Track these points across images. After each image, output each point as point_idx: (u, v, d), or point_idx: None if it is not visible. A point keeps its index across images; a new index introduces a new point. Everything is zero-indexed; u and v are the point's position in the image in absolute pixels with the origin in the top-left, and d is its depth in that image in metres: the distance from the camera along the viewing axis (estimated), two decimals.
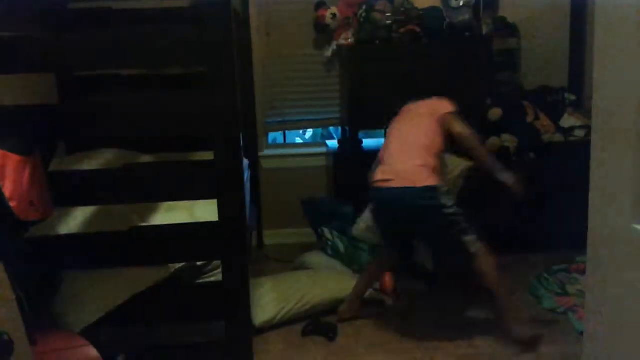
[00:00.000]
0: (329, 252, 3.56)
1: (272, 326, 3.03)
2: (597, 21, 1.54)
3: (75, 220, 2.50)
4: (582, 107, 3.91)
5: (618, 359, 1.52)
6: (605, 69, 1.51)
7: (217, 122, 2.10)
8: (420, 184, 2.72)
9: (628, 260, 1.42)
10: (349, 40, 3.77)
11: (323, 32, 3.93)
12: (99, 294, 2.34)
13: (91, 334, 2.18)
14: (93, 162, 2.88)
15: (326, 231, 3.55)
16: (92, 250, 2.26)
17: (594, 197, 1.57)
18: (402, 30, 3.70)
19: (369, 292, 3.15)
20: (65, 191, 2.22)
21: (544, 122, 3.80)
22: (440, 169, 2.86)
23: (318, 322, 3.03)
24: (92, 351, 2.08)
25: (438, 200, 2.70)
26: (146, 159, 3.11)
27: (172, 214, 2.63)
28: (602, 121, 1.53)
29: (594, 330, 1.63)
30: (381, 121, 3.93)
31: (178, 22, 2.96)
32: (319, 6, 3.88)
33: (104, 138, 3.04)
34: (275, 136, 4.57)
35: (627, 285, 1.43)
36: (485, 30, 3.83)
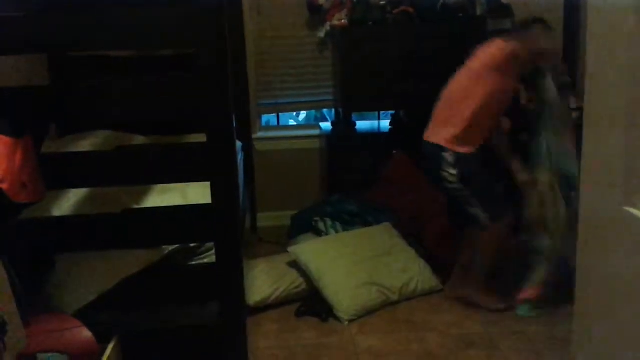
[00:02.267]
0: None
1: (266, 306, 3.06)
2: (589, 5, 1.54)
3: (68, 202, 2.49)
4: (576, 89, 3.90)
5: (607, 341, 1.54)
6: (597, 53, 1.51)
7: (209, 103, 2.09)
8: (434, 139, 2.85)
9: (618, 242, 1.43)
10: (342, 21, 3.75)
11: (316, 13, 3.90)
12: (92, 276, 2.34)
13: (84, 316, 2.19)
14: (85, 144, 2.87)
15: (320, 222, 3.55)
16: (84, 232, 2.26)
17: (584, 179, 1.58)
18: (395, 11, 3.68)
19: None
20: (58, 173, 2.21)
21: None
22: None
23: (311, 303, 3.05)
24: (86, 332, 2.09)
25: (440, 165, 2.74)
26: (139, 140, 3.10)
27: (165, 196, 2.63)
28: (594, 105, 1.54)
29: (584, 311, 1.65)
30: (374, 103, 3.93)
31: (169, 3, 2.93)
32: None
33: (96, 120, 3.03)
34: (269, 118, 4.56)
35: (617, 267, 1.44)
36: (479, 11, 3.81)
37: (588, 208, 1.57)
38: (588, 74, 1.56)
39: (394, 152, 3.82)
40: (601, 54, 1.50)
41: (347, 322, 2.93)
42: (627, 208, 1.38)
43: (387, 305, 3.06)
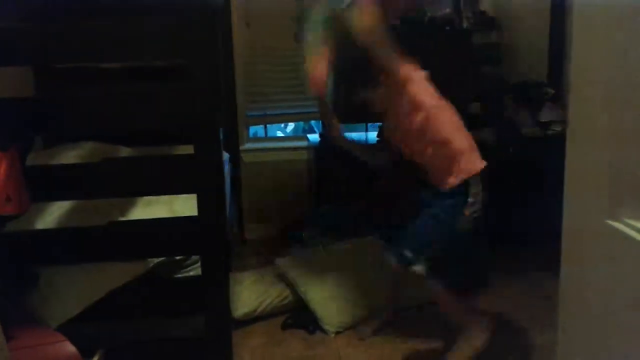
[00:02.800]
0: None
1: (253, 319, 3.04)
2: (574, 19, 1.55)
3: (52, 215, 2.47)
4: (560, 101, 3.94)
5: (593, 352, 1.54)
6: (581, 66, 1.53)
7: (197, 115, 2.09)
8: None
9: (602, 255, 1.44)
10: None
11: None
12: (77, 289, 2.32)
13: (68, 329, 2.17)
14: (70, 156, 2.85)
15: (307, 234, 3.55)
16: (69, 245, 2.24)
17: (568, 191, 1.59)
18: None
19: None
20: (42, 185, 2.19)
21: (523, 116, 3.83)
22: None
23: (298, 315, 3.04)
24: (70, 347, 2.07)
25: None
26: (125, 152, 3.09)
27: (151, 208, 2.62)
28: (578, 117, 1.55)
29: (568, 323, 1.65)
30: (362, 115, 3.94)
31: (160, 13, 2.93)
32: None
33: (82, 131, 3.01)
34: (257, 130, 4.55)
35: (601, 280, 1.45)
36: (465, 24, 3.85)
37: (571, 221, 1.58)
38: (572, 87, 1.57)
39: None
40: (584, 66, 1.51)
41: (333, 334, 2.92)
42: (610, 222, 1.39)
43: (375, 317, 3.05)
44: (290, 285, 3.12)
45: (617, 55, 1.36)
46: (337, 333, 2.93)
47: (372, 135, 4.16)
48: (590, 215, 1.47)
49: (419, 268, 2.47)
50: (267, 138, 4.57)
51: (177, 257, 2.50)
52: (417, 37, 3.73)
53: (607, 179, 1.41)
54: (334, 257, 3.28)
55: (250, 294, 3.09)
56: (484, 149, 3.62)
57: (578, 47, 1.55)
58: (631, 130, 1.36)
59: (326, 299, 3.01)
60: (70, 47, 2.12)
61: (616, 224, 1.38)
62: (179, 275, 2.52)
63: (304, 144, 4.27)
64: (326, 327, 2.95)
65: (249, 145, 4.22)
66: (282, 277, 3.17)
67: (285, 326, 3.00)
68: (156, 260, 2.43)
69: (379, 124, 4.12)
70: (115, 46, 2.11)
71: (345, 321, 2.97)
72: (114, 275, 2.34)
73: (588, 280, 1.51)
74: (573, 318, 1.63)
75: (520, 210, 3.69)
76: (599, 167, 1.44)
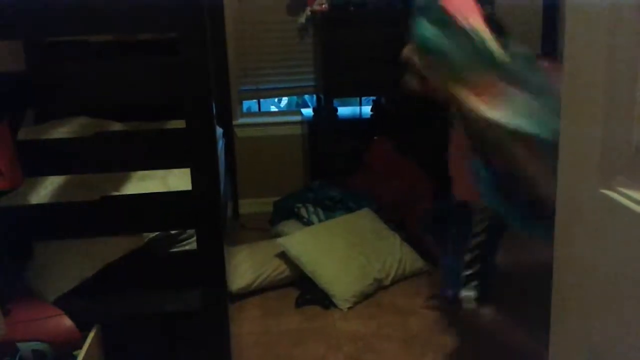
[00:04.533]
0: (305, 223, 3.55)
1: (249, 292, 3.06)
2: None
3: (46, 189, 2.46)
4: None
5: (587, 324, 1.56)
6: (575, 36, 1.52)
7: (188, 89, 2.07)
8: None
9: (595, 225, 1.45)
10: (323, 5, 3.72)
11: None
12: (72, 263, 2.32)
13: (65, 303, 2.18)
14: (62, 131, 2.83)
15: (302, 209, 3.54)
16: (63, 219, 2.23)
17: (562, 162, 1.59)
18: None
19: None
20: (35, 160, 2.18)
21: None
22: None
23: (310, 292, 3.03)
24: (66, 321, 2.08)
25: None
26: (117, 127, 3.06)
27: (145, 183, 2.61)
28: (572, 88, 1.55)
29: (562, 294, 1.67)
30: (356, 89, 3.92)
31: None
32: None
33: (73, 106, 2.98)
34: (250, 104, 4.53)
35: (595, 250, 1.46)
36: None
37: (565, 192, 1.59)
38: (566, 58, 1.56)
39: (375, 138, 3.82)
40: (578, 39, 1.50)
41: (346, 309, 2.94)
42: (603, 191, 1.39)
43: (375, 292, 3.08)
44: (287, 259, 3.13)
45: (611, 26, 1.35)
46: (350, 308, 2.95)
47: (366, 110, 4.16)
48: (583, 184, 1.47)
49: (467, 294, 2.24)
50: (260, 113, 4.55)
51: (172, 232, 2.50)
52: (410, 10, 3.70)
53: (600, 148, 1.41)
54: (332, 231, 3.29)
55: (246, 267, 3.11)
56: None
57: (571, 21, 1.54)
58: (624, 99, 1.36)
59: (335, 276, 3.03)
60: (59, 20, 2.08)
61: (610, 193, 1.38)
62: (175, 250, 2.52)
63: (297, 118, 4.26)
64: (339, 302, 2.97)
65: (242, 120, 4.21)
66: (281, 254, 3.17)
67: (299, 303, 3.01)
68: (151, 235, 2.43)
69: (373, 98, 4.12)
70: (99, 20, 2.08)
71: (357, 295, 2.99)
72: (109, 249, 2.34)
73: (582, 249, 1.52)
74: (566, 288, 1.64)
75: None
76: (593, 138, 1.44)
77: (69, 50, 3.15)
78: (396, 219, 3.49)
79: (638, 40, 1.32)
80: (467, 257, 2.23)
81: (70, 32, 2.45)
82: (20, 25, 2.09)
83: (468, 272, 2.24)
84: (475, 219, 2.21)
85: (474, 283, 2.23)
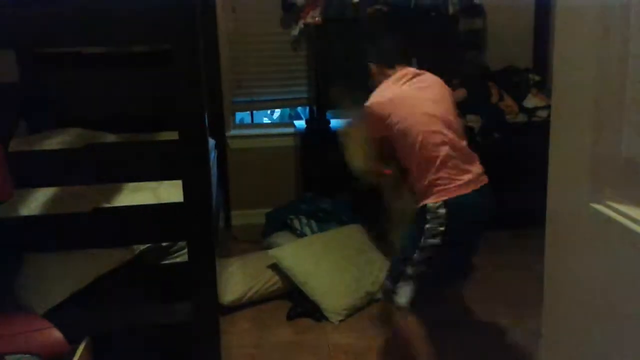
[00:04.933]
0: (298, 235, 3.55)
1: (241, 305, 3.04)
2: (558, 6, 1.56)
3: (37, 201, 2.45)
4: (546, 87, 3.97)
5: (577, 337, 1.56)
6: (565, 50, 1.54)
7: (181, 101, 2.07)
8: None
9: (585, 238, 1.46)
10: (317, 18, 3.75)
11: (290, 11, 3.89)
12: (63, 275, 2.31)
13: (55, 316, 2.16)
14: (54, 142, 2.82)
15: (294, 220, 3.54)
16: (54, 231, 2.22)
17: (553, 176, 1.60)
18: (369, 10, 3.69)
19: None
20: (26, 172, 2.17)
21: (508, 102, 3.85)
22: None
23: (302, 304, 3.02)
24: (57, 333, 2.06)
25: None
26: (109, 138, 3.06)
27: (136, 194, 2.60)
28: (561, 101, 1.56)
29: (553, 306, 1.67)
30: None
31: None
32: None
33: (66, 117, 2.98)
34: (243, 116, 4.53)
35: (584, 263, 1.47)
36: (451, 10, 3.85)
37: (555, 206, 1.60)
38: (555, 73, 1.58)
39: None
40: (568, 53, 1.52)
41: (338, 322, 2.93)
42: (593, 205, 1.41)
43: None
44: (278, 271, 3.12)
45: (600, 39, 1.37)
46: (341, 320, 2.94)
47: None
48: (574, 198, 1.48)
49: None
50: (253, 124, 4.55)
51: (164, 244, 2.49)
52: (403, 22, 3.73)
53: (590, 163, 1.42)
54: (323, 244, 3.28)
55: (238, 280, 3.10)
56: (470, 135, 3.68)
57: (561, 34, 1.56)
58: (614, 114, 1.37)
59: (327, 289, 3.02)
60: (53, 31, 2.09)
61: (600, 207, 1.39)
62: (166, 262, 2.51)
63: (290, 130, 4.26)
64: (331, 315, 2.95)
65: (235, 132, 4.21)
66: (272, 266, 3.16)
67: (291, 316, 3.00)
68: (142, 246, 2.42)
69: None
70: (95, 30, 2.08)
71: (349, 308, 2.98)
72: (101, 261, 2.33)
73: (572, 263, 1.53)
74: (558, 301, 1.65)
75: (505, 196, 3.71)
76: (583, 151, 1.45)
77: (62, 61, 3.15)
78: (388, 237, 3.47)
79: (626, 55, 1.33)
80: (416, 255, 2.27)
81: (64, 43, 2.45)
82: (13, 36, 2.09)
83: (409, 271, 2.29)
84: (432, 223, 2.25)
85: (410, 283, 2.29)
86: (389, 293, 2.36)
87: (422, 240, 2.25)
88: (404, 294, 2.30)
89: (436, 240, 2.24)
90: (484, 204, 2.33)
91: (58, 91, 2.16)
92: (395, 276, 2.34)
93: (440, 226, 2.23)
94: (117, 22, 2.06)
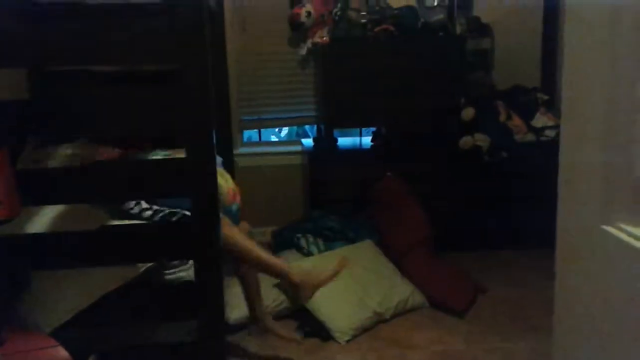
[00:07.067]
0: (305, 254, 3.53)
1: (247, 324, 3.02)
2: (567, 23, 1.56)
3: (43, 218, 2.45)
4: (554, 106, 3.96)
5: (587, 357, 1.54)
6: (575, 70, 1.53)
7: (190, 119, 2.08)
8: None
9: (596, 260, 1.44)
10: (324, 38, 3.77)
11: (298, 30, 3.92)
12: (69, 294, 2.30)
13: (61, 334, 2.15)
14: (62, 154, 2.82)
15: (301, 239, 3.52)
16: (61, 249, 2.22)
17: (563, 197, 1.59)
18: (377, 29, 3.71)
19: None
20: (33, 189, 2.17)
21: (516, 122, 3.84)
22: None
23: (310, 323, 2.99)
24: (63, 352, 2.04)
25: None
26: (115, 154, 3.06)
27: None
28: (571, 122, 1.55)
29: (564, 329, 1.65)
30: (356, 120, 3.95)
31: (150, 17, 2.92)
32: (294, 4, 3.88)
33: (75, 134, 2.98)
34: (251, 134, 4.55)
35: (595, 285, 1.45)
36: (459, 30, 3.86)
37: (565, 227, 1.58)
38: (564, 93, 1.57)
39: (388, 173, 3.73)
40: (577, 71, 1.52)
41: (344, 342, 2.90)
42: (604, 227, 1.39)
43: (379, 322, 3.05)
44: (285, 290, 3.10)
45: (609, 59, 1.36)
46: (348, 341, 2.91)
47: (366, 140, 4.17)
48: (584, 220, 1.47)
49: None
50: (261, 142, 4.57)
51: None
52: (410, 42, 3.75)
53: (601, 184, 1.41)
54: (331, 263, 3.26)
55: (243, 299, 3.07)
56: (478, 154, 3.68)
57: (570, 52, 1.55)
58: (624, 134, 1.36)
59: (334, 309, 2.99)
60: (61, 50, 2.11)
61: (610, 229, 1.38)
62: (169, 277, 2.50)
63: (298, 148, 4.27)
64: (337, 335, 2.92)
65: (243, 150, 4.22)
66: (279, 284, 3.14)
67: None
68: (147, 264, 2.41)
69: (373, 129, 4.14)
70: (103, 49, 2.10)
71: (356, 328, 2.95)
72: (106, 280, 2.31)
73: (582, 285, 1.51)
74: (567, 323, 1.62)
75: (513, 216, 3.70)
76: (593, 172, 1.44)
77: (72, 79, 3.17)
78: (395, 261, 3.44)
79: (637, 75, 1.33)
80: None
81: (74, 62, 2.46)
82: (24, 54, 2.11)
83: None
84: None
85: None
86: None
87: None
88: None
89: None
90: None
91: (66, 109, 2.17)
92: None
93: None
94: (127, 41, 2.08)
